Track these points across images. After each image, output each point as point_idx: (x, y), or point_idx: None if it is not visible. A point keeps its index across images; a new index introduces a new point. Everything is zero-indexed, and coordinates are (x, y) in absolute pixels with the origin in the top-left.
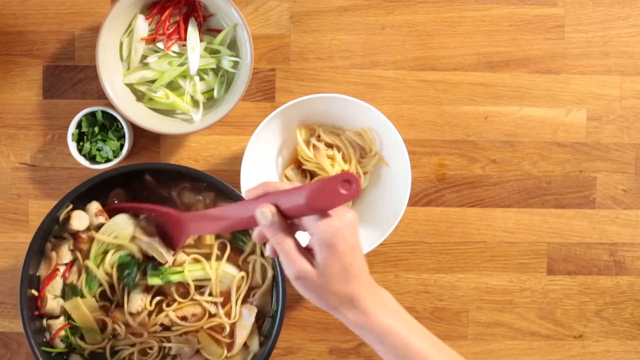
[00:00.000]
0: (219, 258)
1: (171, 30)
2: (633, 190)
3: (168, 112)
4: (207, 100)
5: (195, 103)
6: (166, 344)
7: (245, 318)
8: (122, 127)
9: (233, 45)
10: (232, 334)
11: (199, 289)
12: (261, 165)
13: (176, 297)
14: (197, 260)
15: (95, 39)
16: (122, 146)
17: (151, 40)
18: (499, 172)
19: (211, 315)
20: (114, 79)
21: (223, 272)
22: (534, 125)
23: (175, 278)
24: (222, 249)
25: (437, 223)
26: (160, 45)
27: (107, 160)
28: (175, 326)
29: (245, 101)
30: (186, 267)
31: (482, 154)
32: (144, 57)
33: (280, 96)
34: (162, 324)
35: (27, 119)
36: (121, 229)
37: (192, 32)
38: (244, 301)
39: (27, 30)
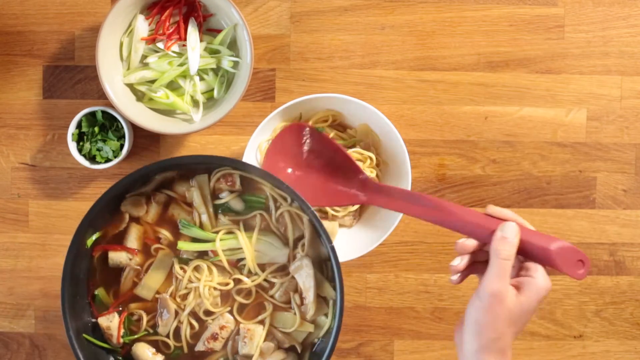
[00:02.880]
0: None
1: (171, 30)
2: (633, 190)
3: (168, 112)
4: (207, 100)
5: (195, 103)
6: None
7: (304, 270)
8: (122, 127)
9: (233, 45)
10: (300, 294)
11: (238, 263)
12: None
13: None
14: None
15: (95, 39)
16: (122, 146)
17: (151, 40)
18: (499, 172)
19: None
20: (114, 79)
21: (257, 239)
22: (534, 125)
23: (206, 246)
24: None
25: None
26: (160, 45)
27: (107, 160)
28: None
29: (245, 101)
30: (218, 238)
31: (482, 154)
32: (144, 57)
33: (280, 96)
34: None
35: (27, 119)
36: None
37: (192, 32)
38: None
39: (27, 30)
